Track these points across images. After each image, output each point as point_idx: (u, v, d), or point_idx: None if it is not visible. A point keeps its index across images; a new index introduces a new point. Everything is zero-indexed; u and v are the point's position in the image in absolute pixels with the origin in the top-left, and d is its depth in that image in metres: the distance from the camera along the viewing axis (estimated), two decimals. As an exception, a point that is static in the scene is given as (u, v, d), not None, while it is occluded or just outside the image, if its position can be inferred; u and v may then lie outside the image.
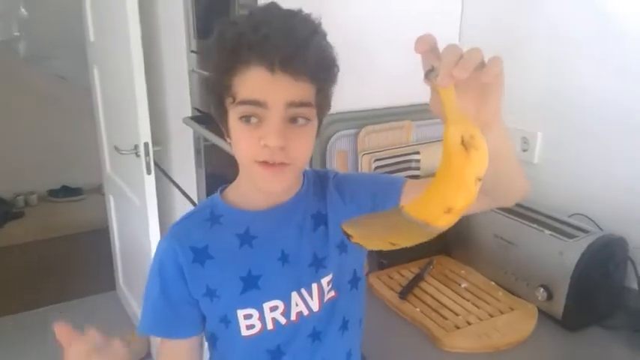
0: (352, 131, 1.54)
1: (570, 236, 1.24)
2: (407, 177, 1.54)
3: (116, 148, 2.14)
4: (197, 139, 1.93)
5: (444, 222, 0.55)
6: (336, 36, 1.55)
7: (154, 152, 2.03)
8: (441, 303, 1.29)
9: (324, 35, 0.78)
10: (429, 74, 0.57)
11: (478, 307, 1.27)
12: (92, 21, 2.45)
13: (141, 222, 2.18)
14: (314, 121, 0.78)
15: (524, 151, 1.53)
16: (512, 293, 1.31)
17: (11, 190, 4.06)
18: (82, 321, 2.83)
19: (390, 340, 1.20)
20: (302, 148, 0.77)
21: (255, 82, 0.72)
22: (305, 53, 0.72)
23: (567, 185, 1.45)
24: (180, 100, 1.98)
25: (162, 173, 2.36)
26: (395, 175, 1.27)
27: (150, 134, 1.99)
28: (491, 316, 1.24)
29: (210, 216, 0.87)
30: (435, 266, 1.45)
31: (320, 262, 0.87)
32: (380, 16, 1.57)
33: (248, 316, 0.84)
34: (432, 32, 0.56)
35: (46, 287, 3.06)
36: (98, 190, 3.94)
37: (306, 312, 0.86)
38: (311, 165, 1.54)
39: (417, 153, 1.59)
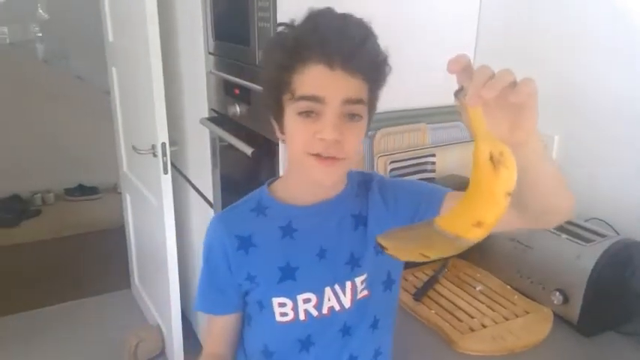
0: (368, 133, 1.54)
1: (587, 240, 1.23)
2: (423, 179, 1.56)
3: (134, 148, 2.17)
4: (213, 139, 1.95)
5: (473, 235, 0.57)
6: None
7: (171, 152, 2.05)
8: (456, 305, 1.29)
9: (376, 37, 0.82)
10: (458, 94, 0.59)
11: (493, 310, 1.27)
12: (111, 21, 2.48)
13: (157, 221, 2.20)
14: (365, 118, 0.82)
15: (541, 154, 1.53)
16: (528, 297, 1.31)
17: (28, 189, 4.11)
18: (97, 318, 2.87)
19: (405, 341, 1.21)
20: (354, 142, 0.81)
21: (314, 79, 0.77)
22: (362, 52, 0.78)
23: (584, 189, 1.45)
24: (198, 100, 2.00)
25: (179, 173, 2.38)
26: (440, 186, 1.30)
27: (167, 135, 2.01)
28: (507, 319, 1.24)
29: (256, 206, 0.93)
30: (449, 269, 1.45)
31: (356, 261, 0.90)
32: (396, 19, 1.57)
33: (282, 305, 0.89)
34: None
35: (61, 284, 3.09)
36: (114, 189, 3.99)
37: (337, 307, 0.90)
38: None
39: (433, 155, 1.59)
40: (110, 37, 2.52)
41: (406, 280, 1.41)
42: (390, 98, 1.61)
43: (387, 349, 1.01)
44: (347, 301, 0.90)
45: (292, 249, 0.89)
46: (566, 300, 1.22)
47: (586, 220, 1.36)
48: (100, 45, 2.65)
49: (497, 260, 1.41)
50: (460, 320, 1.23)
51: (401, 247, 0.68)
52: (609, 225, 1.34)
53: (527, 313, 1.26)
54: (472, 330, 1.20)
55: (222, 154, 1.92)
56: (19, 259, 3.39)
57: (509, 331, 1.19)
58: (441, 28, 1.64)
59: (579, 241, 1.23)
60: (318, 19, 0.79)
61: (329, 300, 0.89)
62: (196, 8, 1.87)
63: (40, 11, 5.07)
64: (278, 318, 0.90)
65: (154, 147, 2.03)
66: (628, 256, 1.22)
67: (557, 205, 0.73)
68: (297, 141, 0.81)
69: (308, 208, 0.90)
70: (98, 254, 3.38)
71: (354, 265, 0.90)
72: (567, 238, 1.25)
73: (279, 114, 0.83)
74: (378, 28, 1.52)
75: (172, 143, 2.08)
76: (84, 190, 4.27)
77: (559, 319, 1.24)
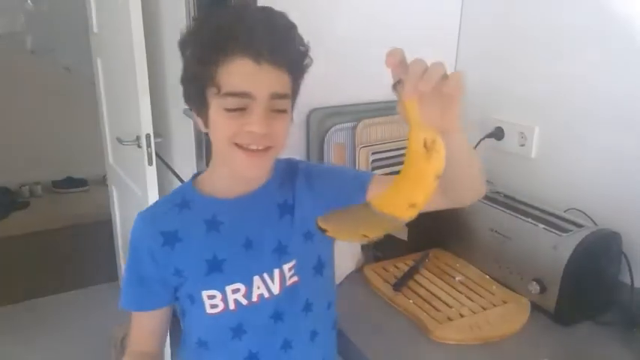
0: (350, 124, 1.54)
1: (564, 230, 1.24)
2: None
3: (118, 139, 2.15)
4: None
5: (407, 215, 0.62)
6: (335, 30, 1.56)
7: (156, 144, 2.04)
8: (435, 295, 1.30)
9: (297, 28, 0.81)
10: (397, 86, 0.63)
11: (471, 300, 1.28)
12: (96, 12, 2.46)
13: (142, 213, 2.19)
14: (290, 110, 0.83)
15: (522, 145, 1.54)
16: (507, 287, 1.32)
17: (16, 181, 4.09)
18: (84, 311, 2.85)
19: (383, 331, 1.21)
20: (282, 134, 0.82)
21: (240, 74, 0.76)
22: (288, 45, 0.78)
23: (563, 180, 1.46)
24: (182, 91, 1.99)
25: (164, 164, 2.37)
26: (365, 171, 1.34)
27: (152, 126, 2.00)
28: (484, 308, 1.24)
29: (181, 201, 0.92)
30: (430, 259, 1.46)
31: (284, 248, 0.91)
32: (378, 10, 1.57)
33: (211, 297, 0.90)
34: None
35: (49, 277, 3.09)
36: (102, 181, 3.96)
37: (267, 294, 0.91)
38: (308, 157, 1.55)
39: (415, 147, 1.59)
40: (95, 28, 2.50)
41: (387, 270, 1.41)
42: (373, 89, 1.63)
43: (325, 329, 1.01)
44: (276, 289, 0.91)
45: (218, 241, 0.89)
46: (543, 289, 1.23)
47: (565, 211, 1.37)
48: (87, 36, 2.63)
49: (476, 251, 1.42)
50: (438, 310, 1.24)
51: (341, 229, 0.71)
52: (587, 216, 1.35)
53: (505, 302, 1.27)
54: (450, 319, 1.20)
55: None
56: (7, 251, 3.37)
57: (487, 321, 1.20)
58: (422, 20, 1.64)
59: (556, 232, 1.24)
60: (242, 11, 0.78)
61: (258, 288, 0.90)
62: (180, -1, 1.86)
63: (28, 2, 5.03)
64: (208, 310, 0.90)
65: (138, 138, 2.02)
66: (605, 246, 1.23)
67: (475, 189, 0.81)
68: (222, 130, 0.80)
69: (232, 201, 0.90)
70: (86, 246, 3.36)
71: (281, 252, 0.91)
72: (545, 228, 1.26)
73: (202, 108, 0.81)
74: (357, 20, 1.53)
75: (157, 135, 2.07)
76: (72, 182, 4.25)
77: (537, 308, 1.25)
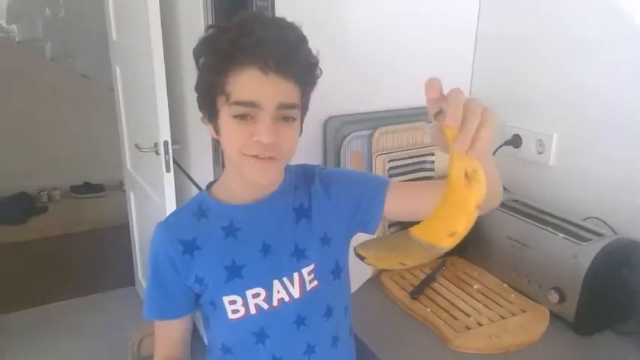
0: (367, 132, 1.55)
1: (584, 239, 1.23)
2: (421, 178, 1.56)
3: (137, 146, 2.18)
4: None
5: (447, 244, 0.63)
6: (351, 39, 1.57)
7: (173, 150, 2.06)
8: (453, 304, 1.30)
9: (308, 41, 0.83)
10: (438, 116, 0.63)
11: (490, 309, 1.27)
12: (115, 21, 2.49)
13: (159, 218, 2.21)
14: (299, 119, 0.85)
15: (540, 153, 1.53)
16: (525, 295, 1.32)
17: (35, 186, 4.14)
18: (101, 315, 2.88)
19: (401, 339, 1.21)
20: (289, 143, 0.84)
21: (249, 83, 0.78)
22: (296, 57, 0.79)
23: (582, 188, 1.45)
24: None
25: (181, 171, 2.39)
26: (381, 176, 1.36)
27: (170, 133, 2.02)
28: (503, 317, 1.24)
29: (197, 210, 0.93)
30: (447, 267, 1.46)
31: (301, 252, 0.92)
32: (395, 18, 1.58)
33: (232, 302, 0.91)
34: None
35: (66, 281, 3.12)
36: (119, 186, 4.00)
37: (287, 299, 0.92)
38: (325, 165, 1.55)
39: (432, 154, 1.59)
40: (114, 36, 2.53)
41: (404, 278, 1.41)
42: (389, 97, 1.63)
43: (344, 334, 1.02)
44: (296, 292, 0.92)
45: (236, 247, 0.90)
46: (562, 299, 1.23)
47: (584, 219, 1.36)
48: (106, 43, 2.66)
49: (494, 259, 1.41)
50: (456, 318, 1.24)
51: (379, 257, 0.71)
52: (607, 224, 1.34)
53: (524, 311, 1.26)
54: (468, 328, 1.20)
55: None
56: (26, 255, 3.42)
57: (506, 330, 1.19)
58: (438, 29, 1.64)
59: (576, 240, 1.23)
60: (252, 23, 0.79)
61: (278, 292, 0.91)
62: (197, 7, 1.88)
63: (48, 10, 5.11)
64: (230, 315, 0.91)
65: (156, 145, 2.04)
66: (625, 255, 1.22)
67: (495, 203, 0.84)
68: (232, 142, 0.82)
69: (248, 207, 0.91)
70: (103, 251, 3.39)
71: (299, 256, 0.92)
72: (564, 237, 1.25)
73: (213, 116, 0.84)
74: (374, 28, 1.54)
75: (175, 141, 2.09)
76: (90, 188, 4.29)
77: (555, 317, 1.24)
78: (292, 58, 0.79)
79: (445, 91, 0.62)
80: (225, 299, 0.91)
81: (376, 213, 0.92)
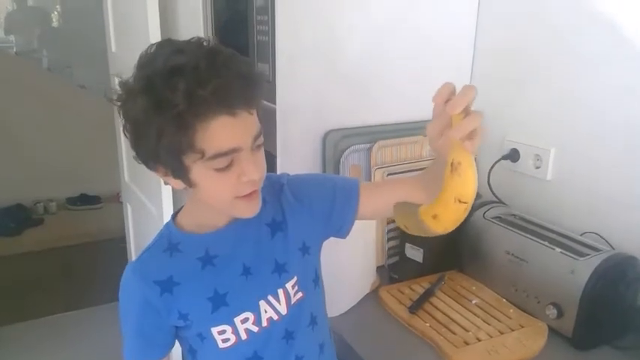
0: (365, 146, 1.55)
1: (581, 254, 1.24)
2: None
3: (135, 158, 2.18)
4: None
5: (432, 225, 0.68)
6: (349, 54, 1.58)
7: (171, 163, 2.07)
8: (451, 318, 1.29)
9: (248, 61, 0.80)
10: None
11: (488, 324, 1.27)
12: (114, 32, 2.50)
13: (157, 230, 2.20)
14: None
15: (537, 168, 1.54)
16: (523, 310, 1.31)
17: (31, 198, 4.13)
18: (96, 328, 2.85)
19: (399, 354, 1.21)
20: (264, 168, 0.83)
21: (221, 132, 0.73)
22: (254, 88, 0.77)
23: (580, 203, 1.45)
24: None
25: (179, 183, 2.39)
26: (349, 177, 1.36)
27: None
28: (501, 332, 1.24)
29: (168, 246, 0.89)
30: (446, 282, 1.46)
31: (282, 267, 0.91)
32: (394, 33, 1.59)
33: (222, 332, 0.89)
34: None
35: (62, 294, 3.10)
36: (116, 198, 3.99)
37: (275, 317, 0.91)
38: (324, 178, 1.56)
39: (430, 168, 1.60)
40: (113, 48, 2.54)
41: (402, 292, 1.41)
42: (388, 111, 1.64)
43: (327, 339, 1.02)
44: (283, 309, 0.91)
45: (216, 276, 0.87)
46: (560, 314, 1.23)
47: (581, 234, 1.36)
48: (104, 54, 2.67)
49: (493, 273, 1.41)
50: (455, 333, 1.23)
51: (397, 214, 0.78)
52: (604, 239, 1.35)
53: (522, 326, 1.26)
54: (467, 343, 1.20)
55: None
56: (21, 268, 3.40)
57: (504, 345, 1.19)
58: (436, 43, 1.65)
59: (574, 255, 1.23)
60: (193, 67, 0.71)
61: (265, 312, 0.90)
62: (197, 21, 1.89)
63: (45, 21, 5.13)
64: (221, 345, 0.89)
65: (154, 157, 2.05)
66: (622, 270, 1.23)
67: None
68: (224, 192, 0.79)
69: (220, 232, 0.89)
70: (100, 264, 3.37)
71: (280, 271, 0.90)
72: (562, 252, 1.25)
73: (181, 173, 0.78)
74: (373, 42, 1.55)
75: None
76: (86, 200, 4.28)
77: (554, 332, 1.24)
78: (251, 89, 0.76)
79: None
80: (214, 330, 0.88)
81: (350, 216, 0.92)
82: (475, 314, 1.31)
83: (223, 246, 0.89)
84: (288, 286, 0.91)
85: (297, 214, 0.93)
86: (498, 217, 1.44)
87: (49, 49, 4.57)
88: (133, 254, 2.82)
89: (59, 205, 4.23)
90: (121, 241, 2.89)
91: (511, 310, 1.32)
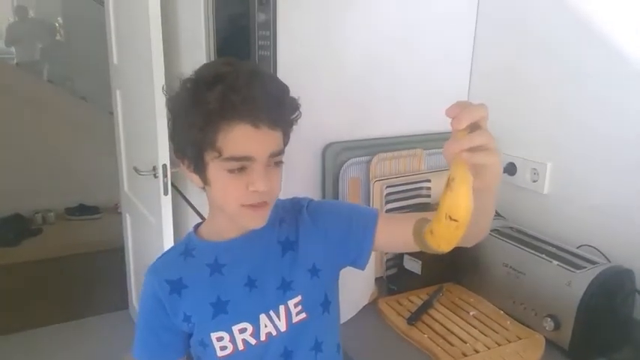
0: (364, 159, 1.57)
1: (578, 267, 1.25)
2: (418, 204, 1.58)
3: (135, 169, 2.19)
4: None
5: (429, 240, 0.66)
6: (350, 68, 1.60)
7: (172, 173, 2.08)
8: (449, 330, 1.30)
9: (288, 89, 0.86)
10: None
11: (486, 335, 1.28)
12: (116, 45, 2.53)
13: (156, 241, 2.21)
14: (283, 160, 0.88)
15: (534, 181, 1.56)
16: (521, 322, 1.33)
17: (30, 208, 4.13)
18: (95, 339, 2.84)
19: (398, 365, 1.22)
20: (279, 185, 0.87)
21: (241, 138, 0.80)
22: (283, 108, 0.83)
23: (576, 216, 1.47)
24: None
25: (179, 193, 2.40)
26: (369, 207, 1.34)
27: (168, 156, 2.04)
28: (499, 344, 1.25)
29: (184, 250, 0.96)
30: (444, 293, 1.47)
31: (288, 284, 0.92)
32: (393, 50, 1.61)
33: (220, 339, 0.91)
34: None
35: (61, 304, 3.09)
36: (114, 209, 4.00)
37: (274, 332, 0.92)
38: (324, 190, 1.57)
39: (428, 181, 1.62)
40: (115, 60, 2.56)
41: (401, 304, 1.42)
42: (387, 124, 1.66)
43: None
44: (282, 325, 0.92)
45: (221, 283, 0.91)
46: (557, 326, 1.24)
47: (578, 247, 1.38)
48: (105, 66, 2.70)
49: (490, 286, 1.42)
50: (452, 345, 1.24)
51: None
52: (600, 252, 1.36)
53: (520, 338, 1.27)
54: (464, 355, 1.21)
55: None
56: (20, 278, 3.39)
57: (501, 357, 1.20)
58: (435, 57, 1.68)
59: (570, 268, 1.25)
60: (234, 77, 0.79)
61: (265, 326, 0.91)
62: (199, 34, 1.91)
63: (47, 33, 5.16)
64: (219, 352, 0.92)
65: (154, 168, 2.05)
66: (618, 283, 1.24)
67: (481, 234, 0.83)
68: (231, 196, 0.84)
69: (231, 242, 0.93)
70: (98, 274, 3.37)
71: (285, 288, 0.92)
72: (559, 265, 1.27)
73: (200, 168, 0.85)
74: (372, 57, 1.58)
75: (173, 164, 2.11)
76: (84, 210, 4.28)
77: (551, 344, 1.25)
78: (279, 110, 0.82)
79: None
80: (213, 336, 0.91)
81: (366, 245, 0.92)
82: (473, 326, 1.32)
83: (232, 255, 0.92)
84: (291, 303, 0.92)
85: (310, 235, 0.94)
86: (496, 230, 1.46)
87: (50, 61, 4.61)
88: (132, 264, 2.82)
89: (58, 215, 4.23)
90: (119, 251, 2.89)
91: (508, 322, 1.33)
